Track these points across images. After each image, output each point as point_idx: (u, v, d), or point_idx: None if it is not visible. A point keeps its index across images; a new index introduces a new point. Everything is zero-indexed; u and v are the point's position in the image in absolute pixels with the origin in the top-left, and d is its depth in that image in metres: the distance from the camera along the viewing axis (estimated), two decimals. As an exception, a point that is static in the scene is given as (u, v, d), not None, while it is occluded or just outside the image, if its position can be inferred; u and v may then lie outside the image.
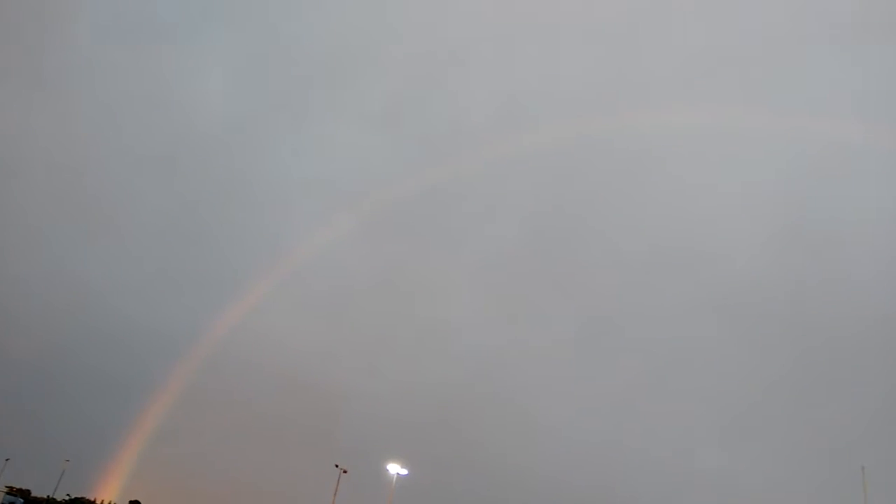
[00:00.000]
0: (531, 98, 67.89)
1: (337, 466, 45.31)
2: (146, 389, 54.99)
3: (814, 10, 59.60)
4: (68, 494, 52.90)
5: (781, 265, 59.80)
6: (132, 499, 53.05)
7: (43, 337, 60.29)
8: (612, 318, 61.88)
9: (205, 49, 69.19)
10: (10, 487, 51.11)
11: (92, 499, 53.02)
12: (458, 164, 65.95)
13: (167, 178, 68.54)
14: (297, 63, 68.83)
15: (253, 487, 53.56)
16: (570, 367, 60.73)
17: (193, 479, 54.10)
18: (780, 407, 54.42)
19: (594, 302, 62.83)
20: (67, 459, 53.00)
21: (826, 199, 59.96)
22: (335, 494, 42.69)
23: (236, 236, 67.03)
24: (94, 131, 68.33)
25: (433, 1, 65.78)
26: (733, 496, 50.56)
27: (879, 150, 57.32)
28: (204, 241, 67.04)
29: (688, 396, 57.18)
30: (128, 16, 70.30)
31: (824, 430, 51.29)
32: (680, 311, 60.58)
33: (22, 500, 50.26)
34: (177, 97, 70.14)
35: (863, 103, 58.60)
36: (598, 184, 65.77)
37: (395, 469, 47.02)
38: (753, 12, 61.79)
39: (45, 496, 52.78)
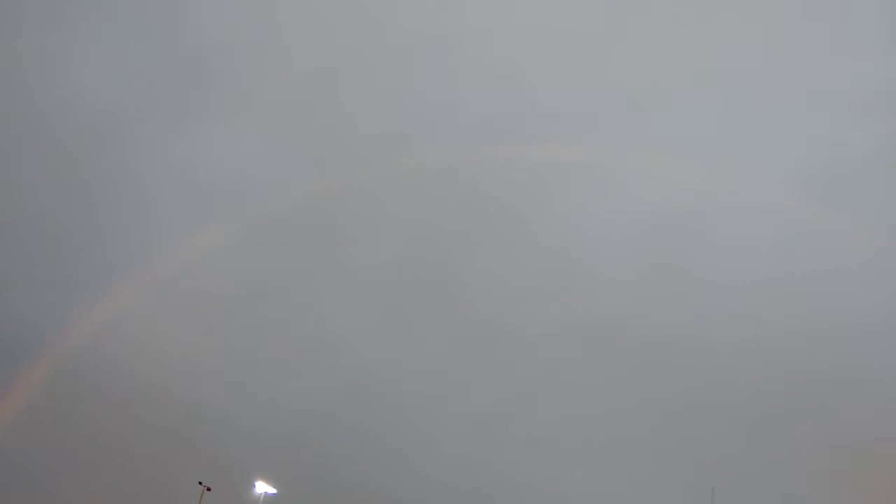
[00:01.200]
0: (422, 120, 69.03)
1: (200, 484, 43.62)
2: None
3: (694, 54, 64.32)
4: None
5: (650, 296, 63.84)
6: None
7: None
8: (485, 340, 63.80)
9: (90, 39, 64.60)
10: None
11: None
12: (345, 179, 65.76)
13: (38, 171, 62.93)
14: (187, 61, 65.86)
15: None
16: (443, 387, 61.82)
17: (41, 496, 49.59)
18: (642, 430, 58.15)
19: (468, 324, 64.54)
20: None
21: (694, 238, 64.34)
22: (197, 513, 40.93)
23: (110, 236, 62.63)
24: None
25: (335, 10, 65.31)
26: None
27: (746, 192, 62.57)
28: (66, 237, 62.04)
29: (555, 418, 59.92)
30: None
31: (680, 451, 55.55)
32: (550, 335, 63.43)
33: None
34: (55, 88, 64.87)
35: (737, 148, 63.29)
36: (481, 209, 67.81)
37: (262, 488, 45.85)
38: (640, 54, 65.94)
39: None
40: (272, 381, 59.98)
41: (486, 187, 67.43)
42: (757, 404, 55.19)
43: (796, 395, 54.71)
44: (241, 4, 67.41)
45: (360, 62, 66.27)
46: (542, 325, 64.67)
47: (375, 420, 60.37)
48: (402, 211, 66.84)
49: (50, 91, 63.95)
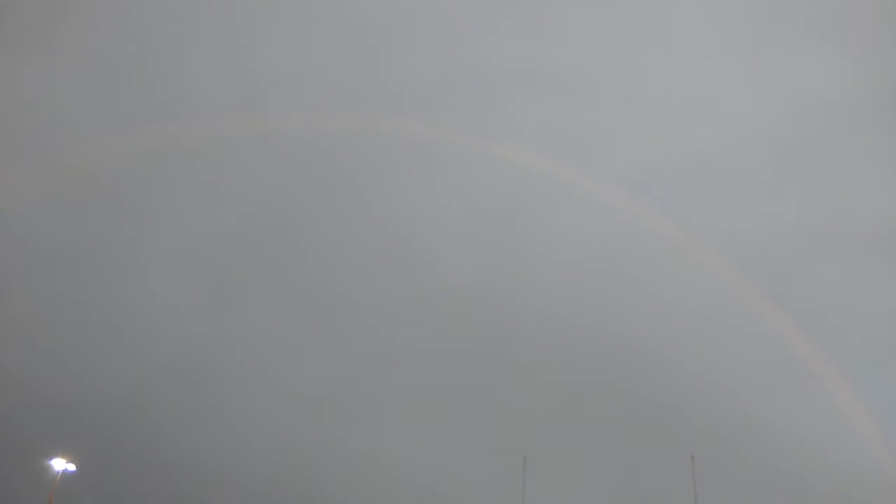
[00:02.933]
0: (272, 82, 65.98)
1: (-12, 461, 39.30)
2: None
3: (544, 46, 66.17)
4: None
5: (487, 276, 65.74)
6: None
7: None
8: (322, 314, 63.03)
9: None
10: None
11: None
12: (180, 137, 61.36)
13: None
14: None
15: None
16: (276, 361, 60.40)
17: None
18: (465, 401, 60.22)
19: (305, 296, 63.31)
20: None
21: (530, 223, 66.95)
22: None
23: None
24: None
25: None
26: (416, 486, 55.01)
27: (580, 183, 65.72)
28: None
29: (391, 392, 60.58)
30: None
31: (498, 426, 58.25)
32: (390, 311, 63.83)
33: None
34: None
35: (575, 142, 66.06)
36: (328, 179, 66.21)
37: (60, 465, 42.26)
38: (493, 41, 66.80)
39: None
40: (79, 350, 55.15)
41: (331, 156, 65.86)
42: (575, 378, 59.09)
43: (611, 370, 59.07)
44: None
45: (209, 15, 61.79)
46: (381, 300, 64.87)
47: (201, 394, 57.74)
48: (240, 174, 63.54)
49: None
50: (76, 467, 42.83)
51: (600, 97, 64.87)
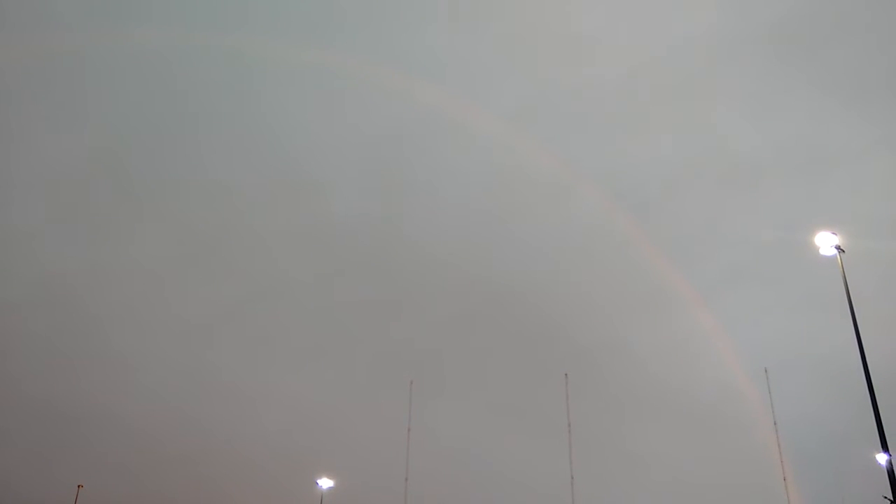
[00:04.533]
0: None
1: None
2: None
3: None
4: None
5: (376, 207, 65.29)
6: None
7: None
8: (198, 247, 60.57)
9: None
10: None
11: None
12: (30, 50, 55.29)
13: None
14: None
15: None
16: (155, 294, 57.78)
17: None
18: (355, 330, 60.78)
19: (180, 228, 60.46)
20: None
21: (419, 157, 66.80)
22: None
23: None
24: None
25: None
26: (305, 417, 55.58)
27: (467, 120, 65.96)
28: None
29: (269, 324, 59.86)
30: None
31: (384, 352, 59.46)
32: (279, 240, 62.50)
33: None
34: None
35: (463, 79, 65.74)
36: (206, 98, 62.34)
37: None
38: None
39: None
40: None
41: (211, 76, 62.01)
42: (458, 307, 61.14)
43: (491, 299, 61.45)
44: None
45: None
46: (270, 230, 63.30)
47: (71, 328, 54.40)
48: (108, 91, 58.54)
49: None
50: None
51: (489, 30, 65.14)
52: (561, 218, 64.11)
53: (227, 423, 53.79)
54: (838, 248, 20.54)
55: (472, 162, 66.66)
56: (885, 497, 18.92)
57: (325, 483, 41.80)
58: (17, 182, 57.23)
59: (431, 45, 62.69)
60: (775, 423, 34.85)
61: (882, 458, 17.77)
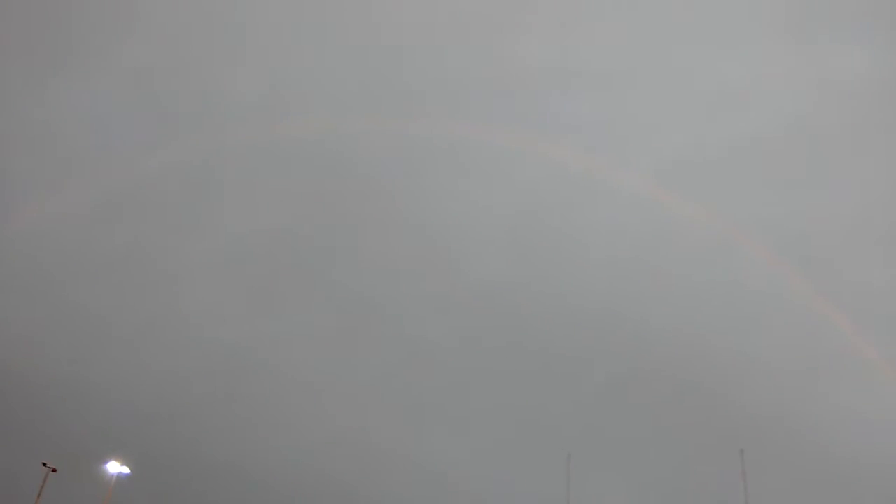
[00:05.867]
0: (297, 89, 66.65)
1: (45, 465, 39.86)
2: None
3: (573, 47, 65.86)
4: None
5: (517, 272, 65.36)
6: None
7: None
8: (357, 315, 63.28)
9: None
10: None
11: None
12: (210, 147, 62.18)
13: None
14: (35, 15, 59.11)
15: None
16: (318, 361, 60.70)
17: None
18: (508, 399, 59.92)
19: (341, 301, 63.66)
20: None
21: (562, 218, 66.48)
22: (39, 496, 37.30)
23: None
24: None
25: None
26: (458, 486, 54.81)
27: (611, 178, 65.33)
28: None
29: (426, 389, 60.55)
30: None
31: (539, 422, 57.92)
32: (421, 310, 64.03)
33: None
34: None
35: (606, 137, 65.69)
36: (355, 181, 66.65)
37: (115, 468, 42.73)
38: (523, 43, 66.69)
39: None
40: (127, 356, 55.84)
41: (361, 159, 66.45)
42: (614, 371, 58.65)
43: (651, 362, 58.45)
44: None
45: (233, 25, 62.76)
46: (412, 300, 65.12)
47: (243, 395, 58.08)
48: (273, 180, 64.29)
49: None
50: (130, 470, 43.34)
51: (633, 93, 64.70)
52: (722, 276, 60.68)
53: (382, 489, 54.22)
54: None
55: (620, 223, 65.36)
56: None
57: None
58: (197, 265, 63.27)
59: (577, 107, 63.38)
60: None
61: None
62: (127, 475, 43.36)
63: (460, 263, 65.46)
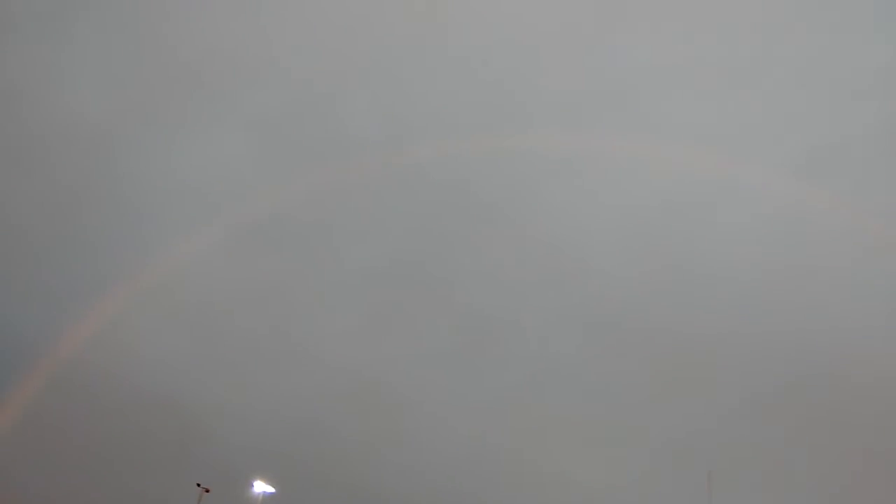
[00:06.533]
0: (415, 116, 68.79)
1: (199, 486, 43.70)
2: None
3: (695, 44, 63.39)
4: None
5: (647, 287, 63.41)
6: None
7: None
8: (482, 335, 63.71)
9: (76, 46, 64.80)
10: None
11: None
12: (334, 179, 65.63)
13: (22, 176, 63.33)
14: (172, 67, 65.93)
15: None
16: (444, 379, 61.86)
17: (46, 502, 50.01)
18: (640, 418, 57.84)
19: (463, 319, 64.42)
20: None
21: (690, 226, 63.85)
22: (196, 515, 41.01)
23: (92, 242, 62.88)
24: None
25: (320, 10, 65.11)
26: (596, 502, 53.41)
27: (747, 182, 61.89)
28: (56, 245, 62.36)
29: (554, 409, 59.71)
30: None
31: (677, 438, 55.19)
32: (548, 329, 63.22)
33: None
34: (42, 94, 65.12)
35: (732, 139, 62.63)
36: (473, 202, 67.44)
37: (261, 488, 45.87)
38: (633, 42, 65.25)
39: None
40: (268, 383, 60.12)
41: (478, 180, 67.10)
42: (754, 390, 54.71)
43: (794, 380, 54.11)
44: (224, 11, 67.36)
45: (345, 60, 66.06)
46: (538, 318, 64.53)
47: (374, 416, 60.43)
48: (393, 207, 66.64)
49: (39, 102, 64.21)
50: (274, 489, 46.45)
51: (763, 84, 60.68)
52: (877, 275, 54.93)
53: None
54: None
55: (757, 226, 61.19)
56: None
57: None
58: (334, 288, 66.82)
59: (694, 104, 60.45)
60: None
61: None
62: (272, 494, 46.22)
63: (586, 277, 64.12)
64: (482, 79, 68.01)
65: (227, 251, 64.70)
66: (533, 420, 59.75)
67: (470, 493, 56.06)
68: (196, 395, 57.36)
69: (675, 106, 62.82)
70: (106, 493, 51.49)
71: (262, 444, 55.07)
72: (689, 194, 63.55)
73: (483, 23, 66.94)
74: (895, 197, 55.20)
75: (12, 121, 63.98)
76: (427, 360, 62.31)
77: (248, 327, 62.96)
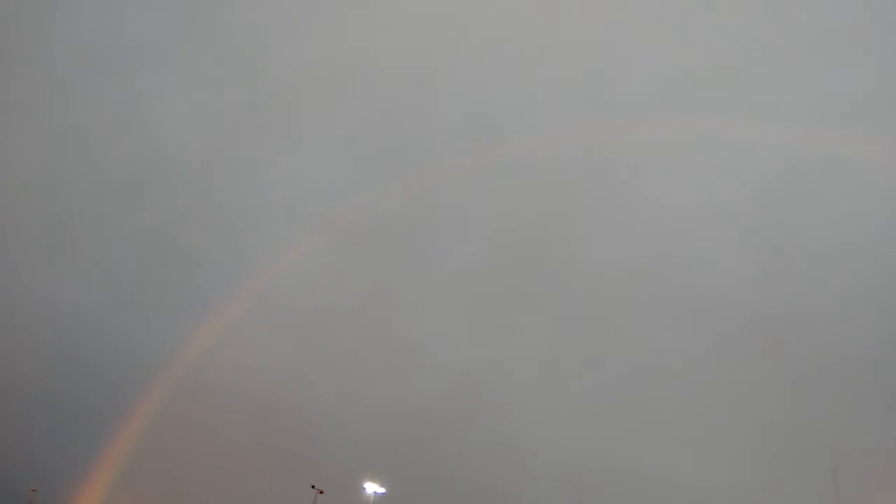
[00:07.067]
0: (501, 115, 68.71)
1: (313, 487, 45.16)
2: (115, 416, 54.25)
3: (793, 20, 60.48)
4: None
5: (757, 271, 60.63)
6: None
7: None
8: (585, 330, 62.57)
9: (173, 72, 69.14)
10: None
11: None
12: (426, 185, 66.47)
13: (135, 202, 68.09)
14: (265, 86, 69.09)
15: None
16: (543, 382, 61.15)
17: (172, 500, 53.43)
18: (757, 411, 55.19)
19: (565, 316, 63.46)
20: (34, 489, 51.98)
21: (799, 211, 60.77)
22: (317, 516, 42.51)
23: (204, 260, 66.68)
24: (61, 155, 67.84)
25: (407, 13, 66.35)
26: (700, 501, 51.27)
27: (853, 162, 58.53)
28: (171, 264, 66.58)
29: (661, 405, 57.86)
30: (98, 40, 70.02)
31: (796, 433, 52.24)
32: (651, 322, 61.37)
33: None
34: (145, 121, 69.91)
35: (838, 116, 59.35)
36: (574, 198, 66.44)
37: (372, 488, 46.84)
38: (724, 27, 62.90)
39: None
40: (375, 386, 61.58)
41: (574, 174, 66.04)
42: (879, 381, 50.97)
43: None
44: (317, 31, 69.92)
45: (429, 65, 66.95)
46: (644, 310, 62.63)
47: (479, 416, 60.64)
48: (489, 206, 66.68)
49: (145, 134, 68.95)
50: (385, 490, 47.40)
51: (862, 62, 56.84)
52: None
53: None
54: None
55: (862, 197, 57.17)
56: None
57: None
58: (428, 294, 67.66)
59: (797, 82, 57.26)
60: None
61: None
62: (383, 494, 47.19)
63: (693, 266, 61.72)
64: (571, 69, 67.13)
65: (329, 260, 66.88)
66: (639, 419, 58.14)
67: (577, 494, 55.12)
68: (306, 400, 59.55)
69: (777, 85, 59.84)
70: (227, 494, 54.26)
71: (371, 445, 56.46)
72: (796, 176, 60.21)
73: (567, 13, 66.13)
74: None
75: (122, 153, 68.97)
76: (530, 360, 61.85)
77: (352, 333, 64.75)
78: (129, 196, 67.80)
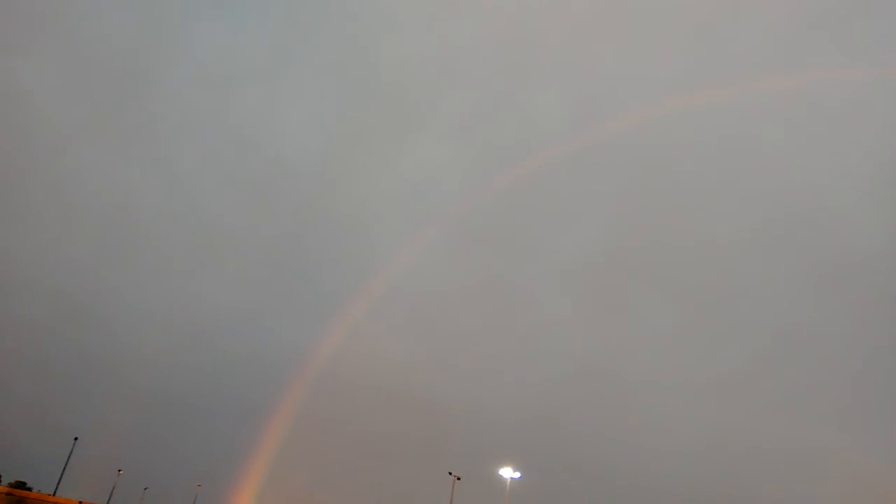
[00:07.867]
0: (602, 89, 67.00)
1: (451, 474, 46.26)
2: (265, 413, 58.14)
3: None
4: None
5: (890, 227, 55.99)
6: (261, 518, 56.27)
7: (163, 365, 65.43)
8: (711, 305, 60.07)
9: (289, 92, 72.88)
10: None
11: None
12: (535, 171, 65.95)
13: (262, 213, 72.54)
14: (371, 92, 71.26)
15: (373, 499, 55.51)
16: (671, 359, 59.46)
17: (317, 496, 56.67)
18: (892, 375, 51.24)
19: (690, 291, 61.24)
20: (199, 484, 57.02)
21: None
22: (451, 502, 43.50)
23: (330, 260, 70.03)
24: (195, 177, 73.39)
25: (510, 18, 66.14)
26: (854, 476, 47.86)
27: None
28: (298, 268, 70.45)
29: (795, 378, 54.71)
30: (212, 62, 74.95)
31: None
32: (783, 290, 57.96)
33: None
34: (264, 136, 74.08)
35: None
36: (685, 169, 63.93)
37: (507, 473, 47.54)
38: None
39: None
40: (499, 374, 62.35)
41: (681, 148, 63.59)
42: None
43: None
44: (423, 31, 71.05)
45: (526, 53, 66.48)
46: (769, 280, 59.21)
47: (606, 397, 59.91)
48: (595, 190, 65.59)
49: (264, 145, 73.05)
50: (520, 474, 47.91)
51: None
52: None
53: (767, 487, 50.12)
54: None
55: None
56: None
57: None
58: (547, 280, 67.45)
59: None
60: None
61: None
62: (518, 478, 47.77)
63: (818, 227, 57.65)
64: (671, 38, 64.40)
65: (444, 253, 68.25)
66: (771, 395, 55.12)
67: (718, 476, 53.12)
68: (435, 390, 61.19)
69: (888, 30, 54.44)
70: (370, 484, 56.92)
71: (502, 431, 57.18)
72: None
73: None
74: None
75: (248, 169, 73.44)
76: (652, 340, 60.29)
77: (473, 322, 65.89)
78: (257, 208, 72.39)
